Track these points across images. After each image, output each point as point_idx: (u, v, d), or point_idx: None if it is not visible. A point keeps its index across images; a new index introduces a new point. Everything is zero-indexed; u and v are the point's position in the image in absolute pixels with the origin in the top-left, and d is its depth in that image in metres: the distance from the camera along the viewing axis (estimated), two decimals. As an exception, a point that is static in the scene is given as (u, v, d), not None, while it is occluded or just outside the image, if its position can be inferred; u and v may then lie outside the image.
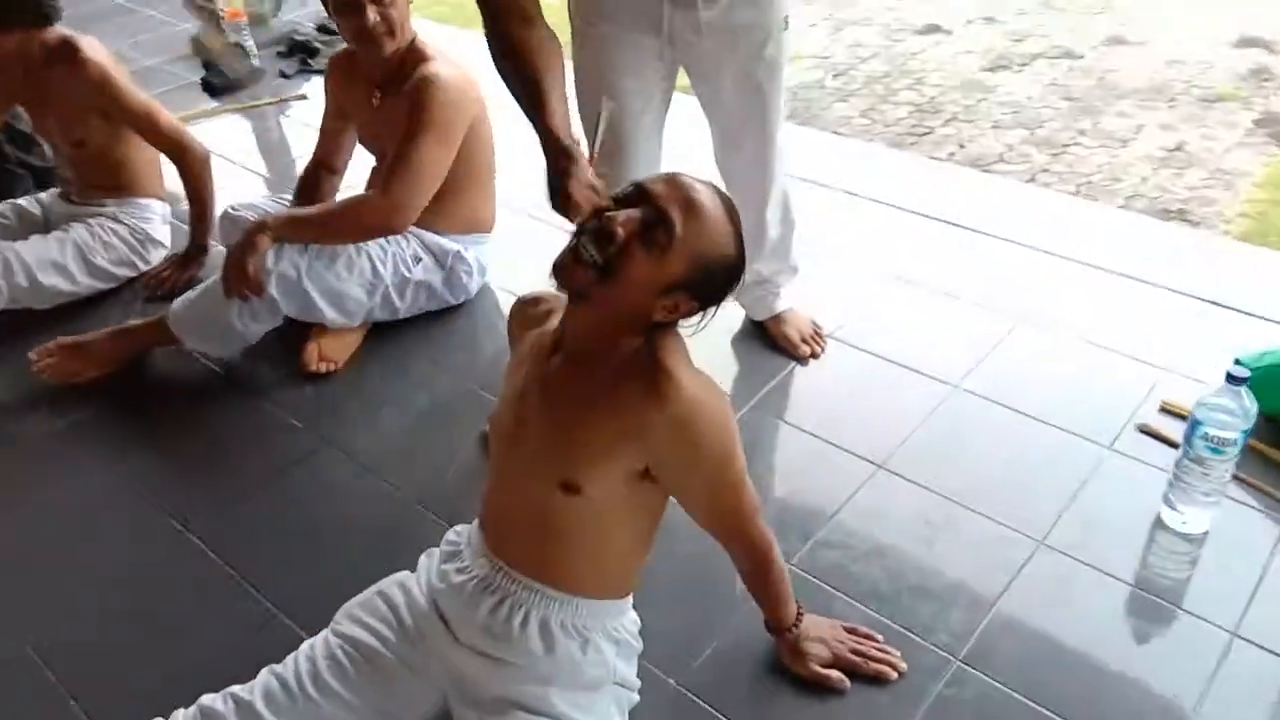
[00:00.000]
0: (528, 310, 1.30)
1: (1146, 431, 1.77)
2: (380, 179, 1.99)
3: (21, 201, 2.46)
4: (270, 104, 3.42)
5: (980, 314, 2.12)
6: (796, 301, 2.08)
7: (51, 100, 2.28)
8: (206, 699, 1.25)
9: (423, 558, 1.38)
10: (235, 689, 1.25)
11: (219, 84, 3.50)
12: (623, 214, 1.07)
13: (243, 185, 2.78)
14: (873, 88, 4.17)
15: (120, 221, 2.41)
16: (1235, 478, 1.62)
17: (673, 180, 1.10)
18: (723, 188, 1.18)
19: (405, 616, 1.31)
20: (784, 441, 1.87)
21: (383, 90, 2.00)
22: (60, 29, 2.23)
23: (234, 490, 1.82)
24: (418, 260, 2.10)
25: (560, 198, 1.15)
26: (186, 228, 2.47)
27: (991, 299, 2.17)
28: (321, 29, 3.81)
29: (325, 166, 2.23)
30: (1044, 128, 3.66)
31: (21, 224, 2.42)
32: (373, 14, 1.85)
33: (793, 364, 2.02)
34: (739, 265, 1.15)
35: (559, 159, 1.20)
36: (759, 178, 1.80)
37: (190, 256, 2.45)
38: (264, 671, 1.28)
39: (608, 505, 1.18)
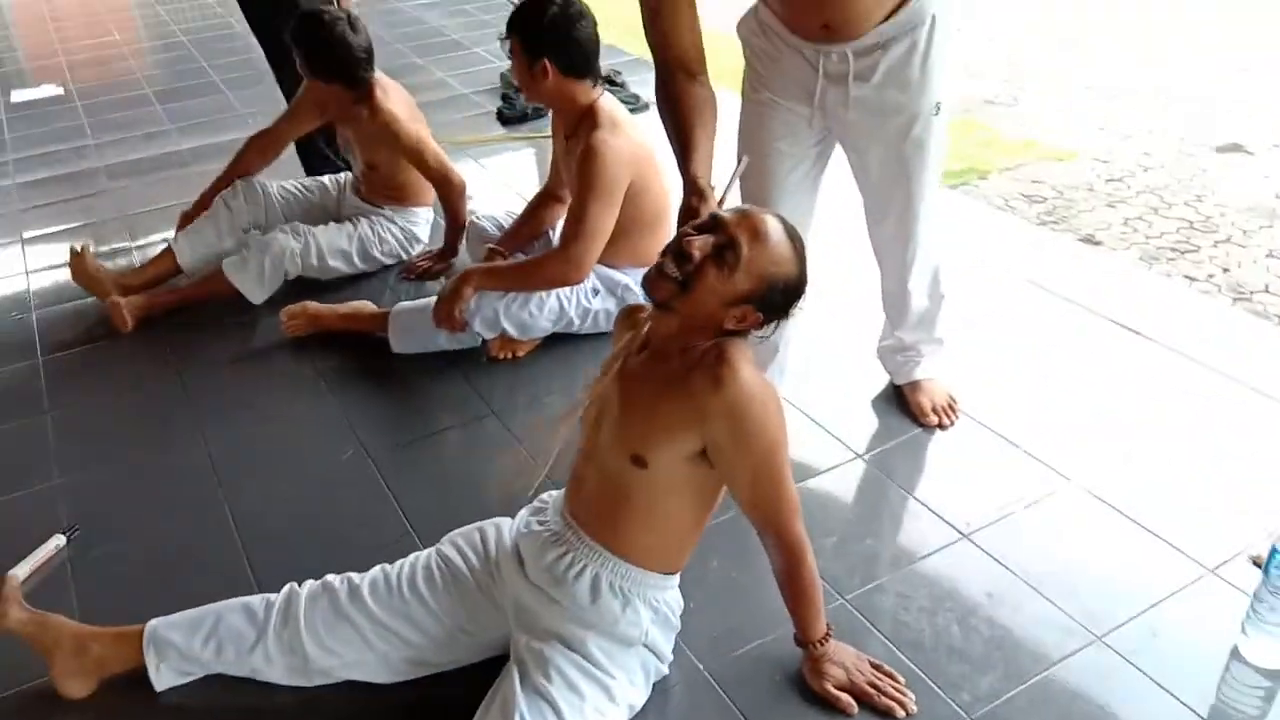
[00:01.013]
0: (630, 316, 1.55)
1: (1258, 563, 1.71)
2: (560, 238, 2.29)
3: (325, 180, 3.04)
4: (546, 136, 3.93)
5: (1134, 426, 2.10)
6: (952, 374, 2.18)
7: (354, 129, 2.81)
8: (331, 576, 1.60)
9: (522, 510, 1.66)
10: (352, 574, 1.59)
11: (509, 115, 4.08)
12: (699, 239, 1.31)
13: (505, 200, 3.24)
14: (1146, 198, 4.05)
15: (394, 223, 2.93)
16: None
17: (744, 212, 1.33)
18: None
19: (493, 550, 1.60)
20: (881, 493, 1.98)
21: (568, 140, 2.33)
22: (376, 81, 2.70)
23: (410, 434, 2.23)
24: (596, 292, 2.42)
25: None
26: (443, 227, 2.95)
27: (1153, 414, 2.14)
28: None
29: (551, 195, 2.59)
30: (1328, 262, 3.42)
31: (321, 197, 2.99)
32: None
33: (919, 429, 2.11)
34: (799, 284, 1.36)
35: (691, 196, 1.46)
36: (901, 248, 1.94)
37: (443, 255, 2.93)
38: (377, 567, 1.60)
39: (668, 480, 1.40)
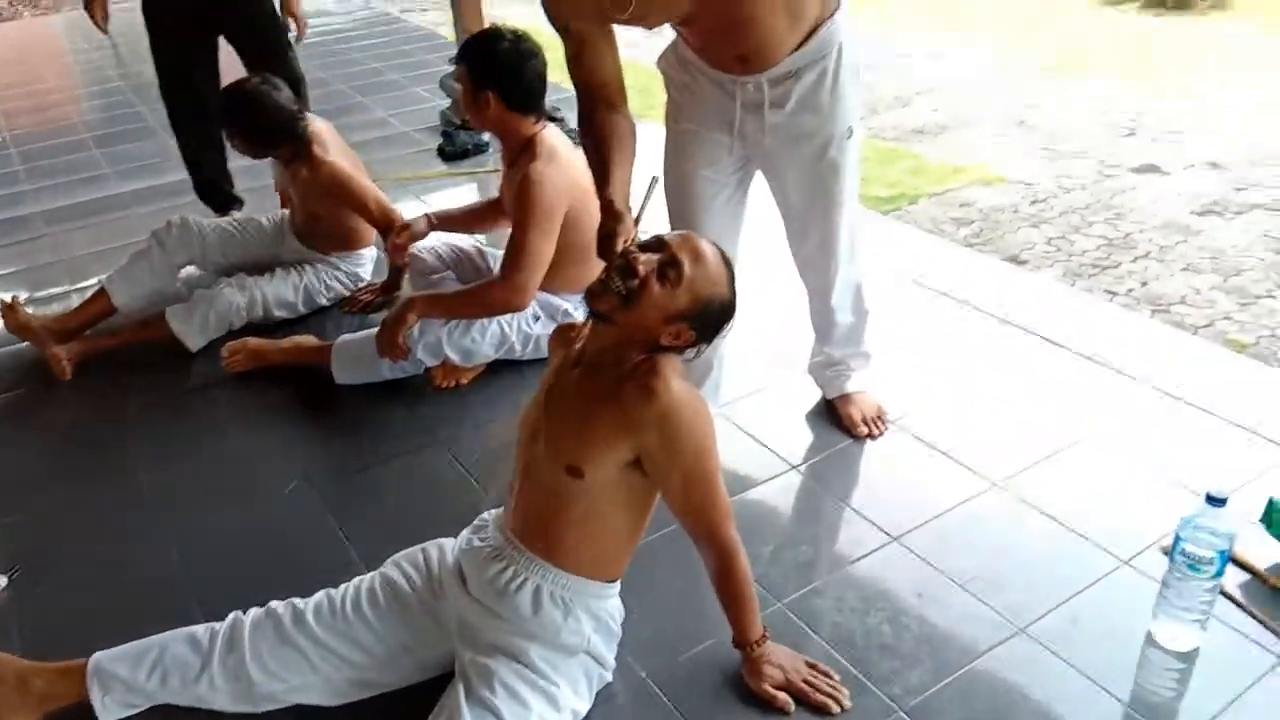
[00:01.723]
0: (564, 334, 1.61)
1: (1166, 552, 1.80)
2: (502, 266, 2.33)
3: (261, 220, 3.02)
4: (488, 171, 4.00)
5: (1056, 433, 2.19)
6: (882, 388, 2.27)
7: (296, 184, 2.82)
8: (275, 603, 1.62)
9: (464, 530, 1.69)
10: (296, 600, 1.62)
11: (450, 151, 4.14)
12: (644, 256, 1.38)
13: (445, 234, 3.29)
14: (1068, 218, 4.22)
15: (340, 269, 2.95)
16: (1241, 606, 1.65)
17: (685, 235, 1.43)
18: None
19: (435, 569, 1.63)
20: (815, 502, 2.05)
21: (508, 168, 2.40)
22: (312, 134, 2.73)
23: (355, 464, 2.26)
24: (537, 318, 2.48)
25: (606, 250, 1.45)
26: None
27: (1074, 421, 2.22)
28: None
29: (499, 209, 2.62)
30: (1240, 276, 3.58)
31: (259, 237, 2.97)
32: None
33: (851, 440, 2.19)
34: (730, 307, 1.44)
35: (608, 219, 1.51)
36: (823, 267, 2.03)
37: (386, 288, 2.96)
38: (321, 592, 1.63)
39: (603, 490, 1.46)
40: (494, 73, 2.22)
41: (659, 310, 1.39)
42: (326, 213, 2.85)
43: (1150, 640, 1.66)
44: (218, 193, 3.49)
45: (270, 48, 3.23)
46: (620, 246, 1.44)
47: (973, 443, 2.16)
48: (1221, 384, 2.34)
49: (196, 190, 3.51)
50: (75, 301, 3.04)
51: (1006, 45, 6.77)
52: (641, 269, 1.38)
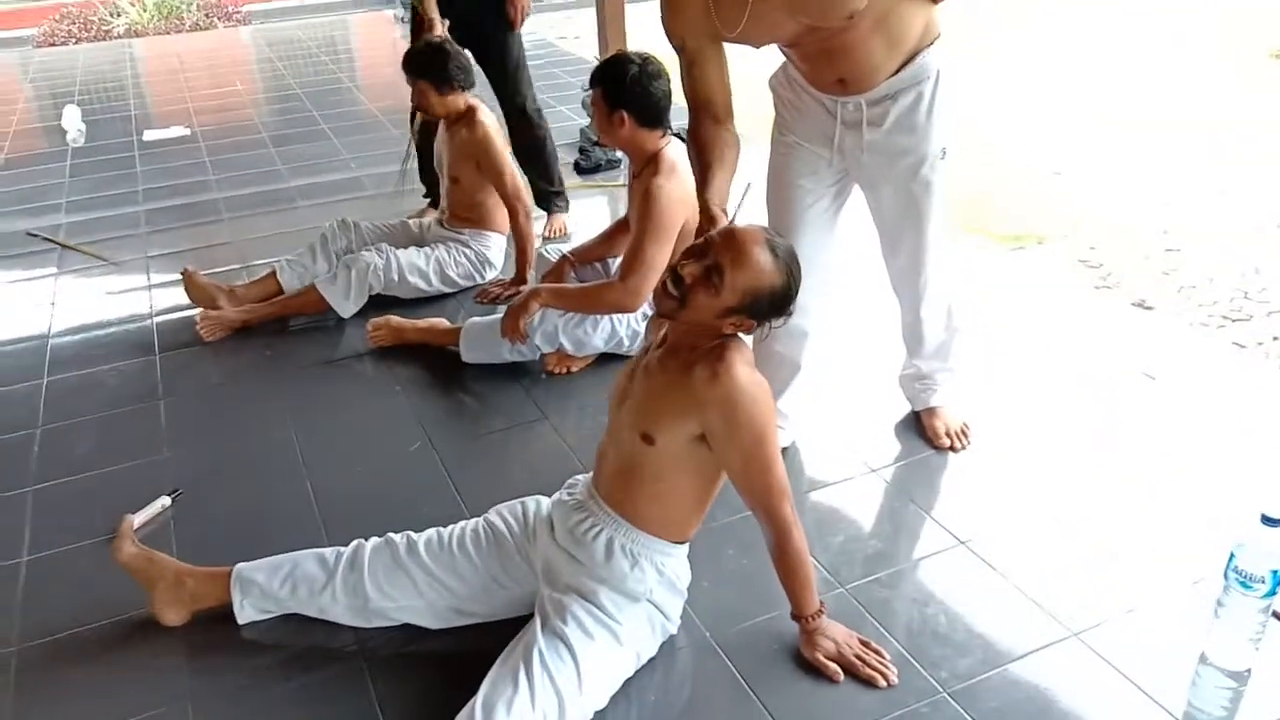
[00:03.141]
0: (658, 319, 1.78)
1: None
2: (619, 270, 2.54)
3: (409, 220, 3.39)
4: (618, 185, 4.24)
5: (1133, 450, 2.24)
6: (976, 407, 2.37)
7: (449, 143, 3.19)
8: (393, 534, 1.85)
9: (560, 490, 1.89)
10: (411, 532, 1.85)
11: (584, 165, 4.41)
12: (689, 265, 1.53)
13: (577, 241, 3.54)
14: (1203, 267, 4.13)
15: (469, 247, 3.25)
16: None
17: (730, 234, 1.54)
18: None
19: (531, 519, 1.83)
20: (888, 504, 2.15)
21: (634, 181, 2.59)
22: (471, 99, 3.14)
23: (472, 431, 2.53)
24: (645, 316, 2.66)
25: None
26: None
27: (1158, 442, 2.27)
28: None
29: (627, 224, 2.85)
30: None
31: (405, 231, 3.35)
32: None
33: (932, 451, 2.29)
34: (786, 292, 1.56)
35: (704, 221, 1.69)
36: (914, 281, 2.14)
37: (514, 282, 3.23)
38: (432, 529, 1.85)
39: (672, 457, 1.62)
40: (625, 94, 2.43)
41: (709, 309, 1.53)
42: (467, 180, 3.18)
43: (1204, 658, 1.70)
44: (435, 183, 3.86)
45: (505, 66, 3.61)
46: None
47: (1055, 464, 2.22)
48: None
49: (421, 177, 3.91)
50: (245, 278, 3.43)
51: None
52: (687, 276, 1.52)
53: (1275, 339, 3.53)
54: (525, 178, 3.73)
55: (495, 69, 3.63)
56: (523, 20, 3.58)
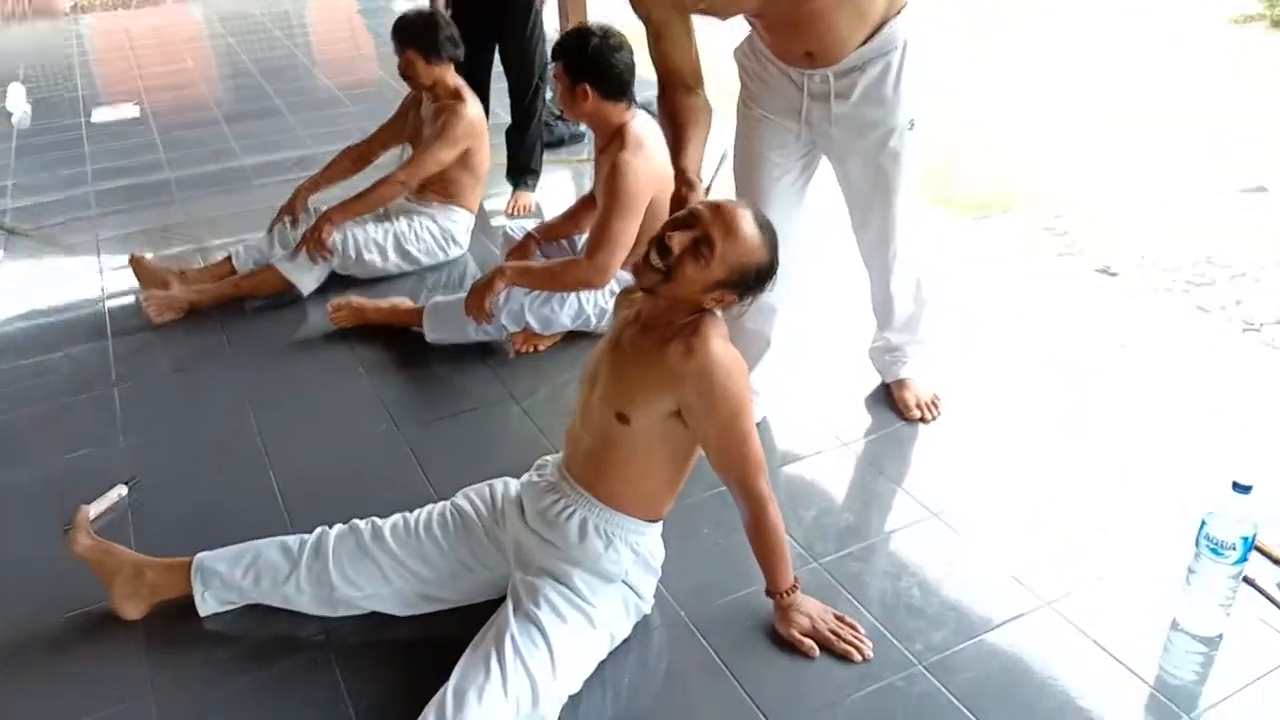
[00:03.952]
0: (627, 295, 1.75)
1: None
2: (586, 246, 2.50)
3: None
4: (581, 160, 4.19)
5: (1104, 421, 2.25)
6: (944, 377, 2.36)
7: (431, 119, 3.10)
8: (357, 520, 1.81)
9: (528, 472, 1.85)
10: (376, 518, 1.80)
11: (549, 140, 4.32)
12: (678, 234, 1.49)
13: (544, 216, 3.50)
14: (1164, 232, 4.16)
15: (435, 221, 3.19)
16: (1268, 596, 1.70)
17: (717, 206, 1.51)
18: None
19: (499, 501, 1.80)
20: (860, 477, 2.14)
21: (600, 155, 2.55)
22: (459, 81, 3.08)
23: (438, 413, 2.46)
24: (613, 294, 2.62)
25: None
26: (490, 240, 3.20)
27: (1126, 412, 2.28)
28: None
29: (592, 200, 2.79)
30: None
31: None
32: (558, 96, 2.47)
33: (903, 423, 2.28)
34: (770, 268, 1.53)
35: (680, 186, 1.66)
36: (883, 254, 2.12)
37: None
38: (398, 514, 1.81)
39: (647, 436, 1.59)
40: (587, 66, 2.38)
41: (696, 282, 1.50)
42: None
43: (1175, 624, 1.71)
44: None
45: (522, 39, 3.58)
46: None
47: (1025, 433, 2.22)
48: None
49: None
50: (199, 261, 3.34)
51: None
52: (676, 247, 1.48)
53: (1238, 303, 3.57)
54: (508, 151, 3.68)
55: (510, 42, 3.57)
56: None
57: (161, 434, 2.41)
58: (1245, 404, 2.32)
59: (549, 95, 4.68)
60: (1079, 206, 4.39)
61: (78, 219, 3.84)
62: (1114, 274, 3.81)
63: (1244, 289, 3.65)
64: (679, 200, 1.62)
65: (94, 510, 2.05)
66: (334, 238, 3.02)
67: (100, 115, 5.33)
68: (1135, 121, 5.44)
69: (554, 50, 2.44)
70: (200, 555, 1.80)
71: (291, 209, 3.15)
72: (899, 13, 1.80)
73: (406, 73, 3.07)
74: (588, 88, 2.39)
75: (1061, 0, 8.40)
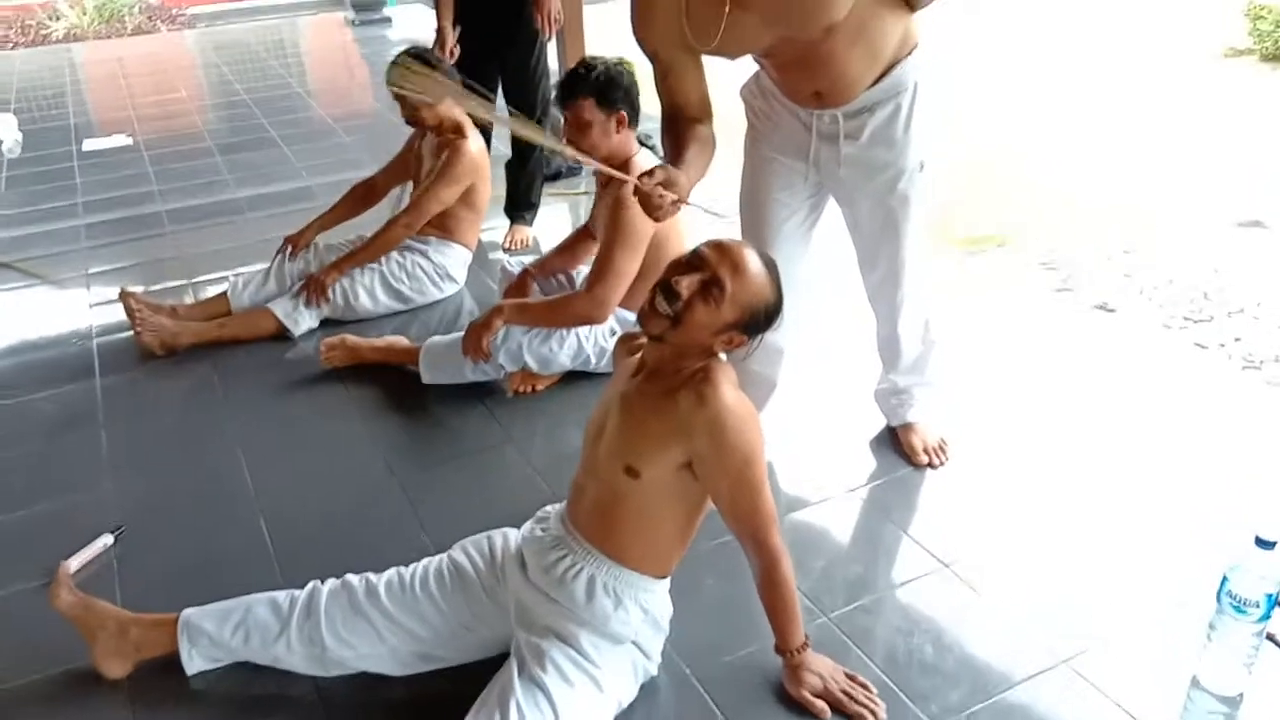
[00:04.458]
0: (628, 342, 1.70)
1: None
2: (587, 280, 2.47)
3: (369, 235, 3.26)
4: (578, 193, 4.16)
5: (1120, 469, 2.20)
6: (952, 420, 2.32)
7: (434, 155, 3.07)
8: (350, 575, 1.75)
9: (528, 522, 1.80)
10: (370, 574, 1.74)
11: (546, 172, 4.29)
12: (686, 278, 1.44)
13: (541, 249, 3.46)
14: (1163, 269, 4.14)
15: (429, 259, 3.14)
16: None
17: (721, 246, 1.47)
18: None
19: (499, 555, 1.74)
20: (868, 524, 2.09)
21: (602, 189, 2.53)
22: (461, 116, 3.03)
23: (435, 457, 2.40)
24: (613, 333, 2.58)
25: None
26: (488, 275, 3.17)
27: (1141, 460, 2.24)
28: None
29: (589, 232, 2.75)
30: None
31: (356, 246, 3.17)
32: (567, 134, 2.41)
33: (911, 468, 2.23)
34: (778, 306, 1.50)
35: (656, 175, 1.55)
36: (890, 295, 2.08)
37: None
38: (393, 569, 1.75)
39: (658, 490, 1.54)
40: (624, 95, 2.38)
41: (706, 326, 1.46)
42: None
43: (1195, 683, 1.66)
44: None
45: (526, 73, 3.56)
46: (655, 181, 1.51)
47: (1034, 479, 2.18)
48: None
49: None
50: (191, 296, 3.29)
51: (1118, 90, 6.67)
52: (684, 291, 1.43)
53: (1237, 340, 3.54)
54: (507, 184, 3.64)
55: (513, 76, 3.55)
56: (552, 29, 3.50)
57: (149, 479, 2.35)
58: (1256, 447, 2.28)
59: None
60: (1074, 241, 4.38)
61: (67, 252, 3.79)
62: (1111, 310, 3.79)
63: (1242, 325, 3.63)
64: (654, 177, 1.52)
65: (77, 562, 1.98)
66: (364, 302, 3.03)
67: (92, 145, 5.28)
68: (1129, 156, 5.45)
69: (574, 88, 2.38)
70: (187, 612, 1.73)
71: (297, 243, 3.12)
72: (910, 53, 1.77)
73: (411, 118, 3.03)
74: (624, 115, 2.39)
75: (1051, 36, 8.46)
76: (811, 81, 1.77)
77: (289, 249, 3.11)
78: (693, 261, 1.47)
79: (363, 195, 3.29)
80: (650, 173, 1.51)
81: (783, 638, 1.62)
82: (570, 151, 1.81)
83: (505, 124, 1.97)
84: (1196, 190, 4.95)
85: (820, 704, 1.60)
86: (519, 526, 1.80)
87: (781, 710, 1.63)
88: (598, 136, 2.40)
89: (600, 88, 2.36)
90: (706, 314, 1.45)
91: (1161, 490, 2.13)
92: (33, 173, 4.85)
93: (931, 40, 1.83)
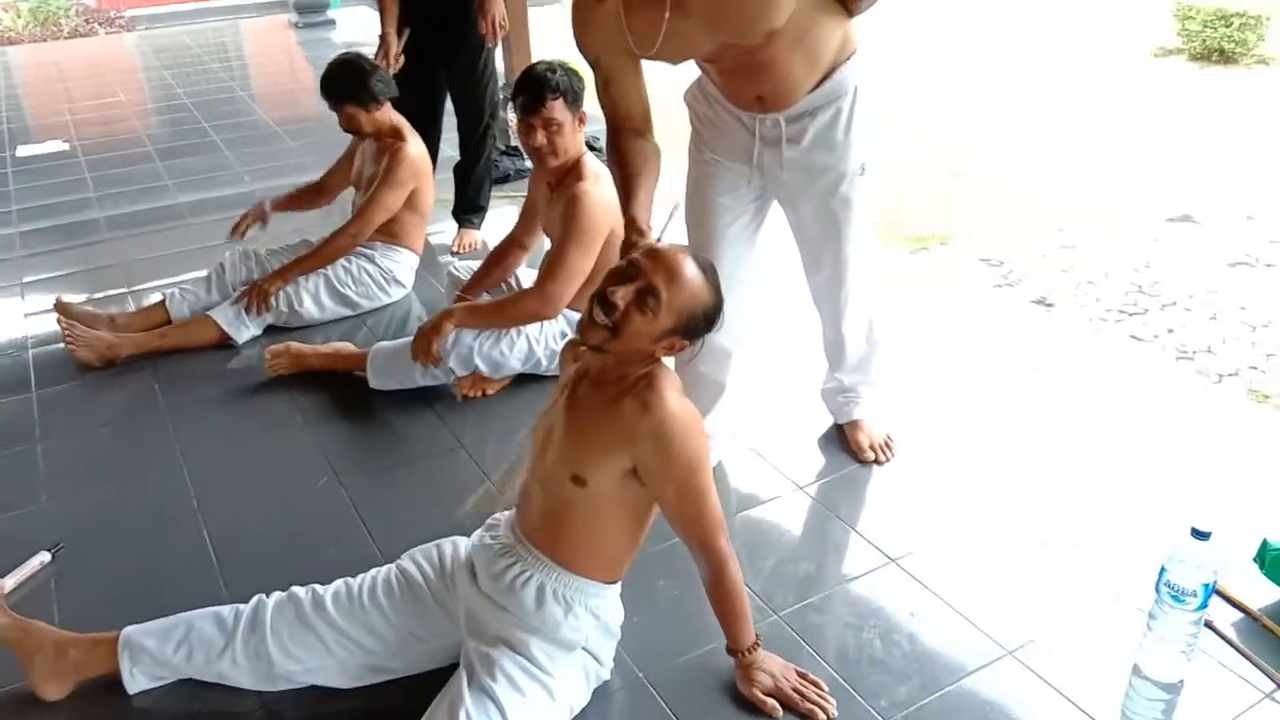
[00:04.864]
0: (574, 348, 1.70)
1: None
2: (539, 277, 2.46)
3: (313, 241, 3.21)
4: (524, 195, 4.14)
5: (1060, 464, 2.24)
6: (896, 418, 2.35)
7: (374, 161, 3.04)
8: (296, 588, 1.72)
9: (478, 530, 1.78)
10: (316, 586, 1.71)
11: (495, 175, 4.27)
12: (621, 289, 1.43)
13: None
14: (1098, 263, 4.24)
15: (375, 263, 3.10)
16: (1229, 641, 1.69)
17: (655, 254, 1.46)
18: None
19: (448, 564, 1.72)
20: (816, 522, 2.11)
21: (553, 191, 2.51)
22: (399, 120, 3.01)
23: (383, 463, 2.37)
24: (563, 335, 2.57)
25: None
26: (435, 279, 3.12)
27: (1082, 454, 2.27)
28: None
29: (516, 242, 2.76)
30: (1271, 328, 3.59)
31: (299, 252, 3.12)
32: (540, 137, 2.36)
33: (858, 465, 2.26)
34: (717, 308, 1.50)
35: (630, 234, 1.62)
36: (835, 296, 2.10)
37: None
38: (340, 580, 1.73)
39: (605, 497, 1.53)
40: (580, 94, 2.38)
41: (645, 335, 1.45)
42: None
43: (1137, 670, 1.69)
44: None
45: (473, 78, 3.53)
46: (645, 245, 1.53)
47: (979, 473, 2.21)
48: (1239, 431, 2.37)
49: None
50: (131, 304, 3.21)
51: (1054, 88, 6.80)
52: (620, 301, 1.43)
53: (1170, 332, 3.64)
54: (455, 188, 3.62)
55: (461, 81, 3.52)
56: (498, 36, 3.47)
57: (88, 493, 2.29)
58: (1193, 438, 2.33)
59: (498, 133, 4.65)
60: (1013, 237, 4.47)
61: (1, 261, 3.68)
62: (1050, 305, 3.87)
63: (1175, 317, 3.73)
64: (629, 248, 1.58)
65: (11, 581, 1.93)
66: (309, 309, 2.99)
67: (26, 150, 5.14)
68: (1066, 153, 5.57)
69: (544, 88, 2.34)
70: (127, 630, 1.69)
71: (258, 216, 3.14)
72: (849, 58, 1.79)
73: (348, 126, 3.00)
74: (584, 114, 2.39)
75: (985, 32, 8.61)
76: (753, 86, 1.78)
77: (226, 256, 3.07)
78: (627, 271, 1.46)
79: (318, 193, 3.29)
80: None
81: (733, 638, 1.63)
82: None
83: None
84: (1130, 186, 5.08)
85: (772, 702, 1.61)
86: (470, 534, 1.79)
87: (735, 710, 1.63)
88: (568, 135, 2.39)
89: (566, 87, 2.36)
90: (644, 323, 1.44)
91: (1103, 482, 2.18)
92: (-37, 180, 4.71)
93: (871, 44, 1.85)
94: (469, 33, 3.43)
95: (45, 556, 2.03)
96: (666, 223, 1.65)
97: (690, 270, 1.46)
